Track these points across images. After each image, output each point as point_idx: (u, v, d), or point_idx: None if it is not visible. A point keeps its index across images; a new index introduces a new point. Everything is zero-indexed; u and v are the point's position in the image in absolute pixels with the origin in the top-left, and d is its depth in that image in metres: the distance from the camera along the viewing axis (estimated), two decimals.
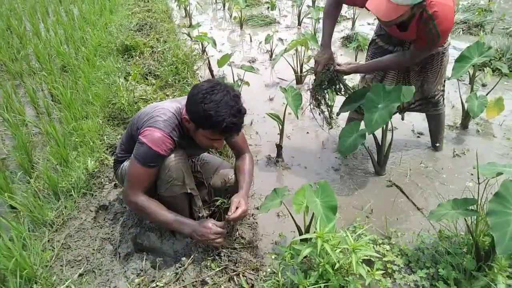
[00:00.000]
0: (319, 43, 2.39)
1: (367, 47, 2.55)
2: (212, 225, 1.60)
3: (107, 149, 2.52)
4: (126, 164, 1.78)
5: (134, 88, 3.08)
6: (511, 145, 2.74)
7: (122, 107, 2.90)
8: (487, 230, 1.57)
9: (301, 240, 1.58)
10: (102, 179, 2.26)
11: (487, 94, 2.78)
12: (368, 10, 1.89)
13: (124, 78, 3.40)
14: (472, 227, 1.58)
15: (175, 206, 1.68)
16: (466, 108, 2.83)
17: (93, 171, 2.27)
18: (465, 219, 1.56)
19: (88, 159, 2.33)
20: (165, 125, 1.59)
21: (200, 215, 1.84)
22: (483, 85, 3.59)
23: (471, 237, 1.59)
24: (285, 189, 1.77)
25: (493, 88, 2.97)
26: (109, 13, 6.06)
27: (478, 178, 1.51)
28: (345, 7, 6.85)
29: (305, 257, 1.65)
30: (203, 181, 1.95)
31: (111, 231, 1.87)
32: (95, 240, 1.81)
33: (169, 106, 1.67)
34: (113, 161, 1.94)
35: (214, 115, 1.46)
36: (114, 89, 3.15)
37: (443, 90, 2.51)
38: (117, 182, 2.12)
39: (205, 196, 1.95)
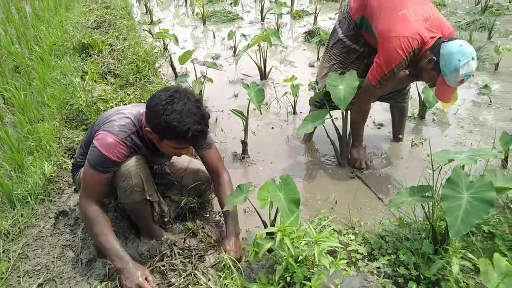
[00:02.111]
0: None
1: (328, 40, 2.57)
2: (142, 278, 1.48)
3: (65, 153, 2.43)
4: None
5: (92, 88, 2.97)
6: (465, 133, 2.89)
7: (80, 108, 2.80)
8: (443, 215, 1.64)
9: (267, 234, 1.60)
10: (61, 184, 2.17)
11: None
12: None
13: (81, 77, 3.28)
14: (429, 212, 1.65)
15: (138, 213, 1.64)
16: (422, 99, 2.95)
17: (51, 176, 2.17)
18: (422, 205, 1.63)
19: (45, 164, 2.23)
20: (120, 130, 1.53)
21: (166, 219, 1.82)
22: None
23: (428, 223, 1.66)
24: (250, 185, 1.77)
25: None
26: (64, 10, 5.81)
27: (432, 166, 1.58)
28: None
29: (272, 251, 1.67)
30: (174, 182, 1.92)
31: (72, 238, 1.81)
32: (55, 247, 1.74)
33: (129, 111, 1.61)
34: (71, 165, 1.86)
35: (178, 126, 1.41)
36: (71, 89, 3.03)
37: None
38: (76, 187, 2.05)
39: (176, 196, 1.92)
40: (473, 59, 1.88)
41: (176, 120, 1.40)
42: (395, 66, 2.04)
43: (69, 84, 3.17)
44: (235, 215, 1.78)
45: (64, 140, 2.52)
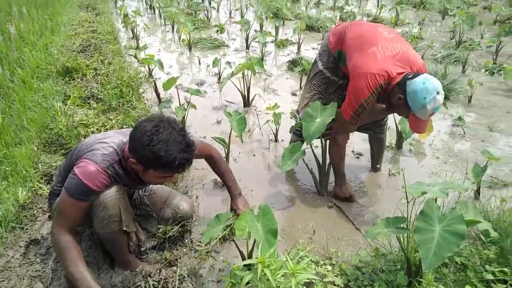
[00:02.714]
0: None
1: (309, 71, 2.65)
2: None
3: (41, 178, 2.38)
4: None
5: (73, 113, 2.96)
6: (440, 163, 2.97)
7: (60, 133, 2.77)
8: (417, 246, 1.67)
9: (244, 265, 1.59)
10: (35, 211, 2.12)
11: None
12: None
13: (63, 101, 3.27)
14: (404, 244, 1.68)
15: (113, 243, 1.62)
16: (399, 130, 3.04)
17: (25, 203, 2.13)
18: (397, 236, 1.65)
19: (19, 190, 2.18)
20: (102, 159, 1.53)
21: (143, 249, 1.79)
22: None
23: (403, 254, 1.68)
24: (228, 215, 1.77)
25: None
26: (50, 33, 5.83)
27: (407, 197, 1.62)
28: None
29: (247, 283, 1.65)
30: (152, 214, 1.90)
31: (43, 268, 1.75)
32: (23, 279, 1.68)
33: (112, 140, 1.61)
34: (48, 193, 1.82)
35: (164, 156, 1.43)
36: (52, 113, 3.01)
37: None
38: (51, 215, 2.00)
39: (153, 228, 1.90)
40: (438, 93, 1.93)
41: (162, 150, 1.43)
42: (364, 101, 2.10)
43: (50, 108, 3.15)
44: (231, 176, 2.13)
45: (42, 165, 2.48)
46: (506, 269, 1.60)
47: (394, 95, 2.07)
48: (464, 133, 3.44)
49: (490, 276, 1.59)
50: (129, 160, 1.53)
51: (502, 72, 4.82)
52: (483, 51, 6.09)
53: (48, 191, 1.86)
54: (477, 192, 2.48)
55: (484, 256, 1.72)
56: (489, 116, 3.86)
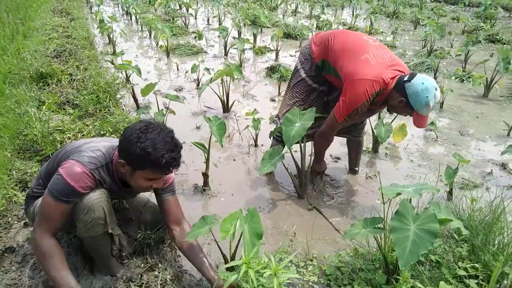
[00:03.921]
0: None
1: (290, 78, 2.71)
2: None
3: (16, 185, 2.31)
4: (40, 200, 1.65)
5: (48, 118, 2.89)
6: (414, 166, 3.08)
7: (35, 139, 2.70)
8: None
9: (227, 269, 1.60)
10: (10, 218, 2.06)
11: (392, 121, 3.11)
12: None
13: (37, 107, 3.18)
14: (381, 243, 1.73)
15: (97, 247, 1.59)
16: (375, 134, 3.13)
17: None
18: (374, 236, 1.71)
19: None
20: (89, 161, 1.51)
21: (124, 254, 1.77)
22: (390, 113, 4.01)
23: (381, 253, 1.74)
24: (214, 217, 1.77)
25: (397, 116, 3.33)
26: (22, 38, 5.67)
27: (383, 198, 1.68)
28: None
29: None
30: (132, 218, 1.88)
31: (19, 276, 1.70)
32: None
33: (102, 144, 1.61)
34: (25, 196, 1.76)
35: (152, 152, 1.44)
36: (26, 119, 2.93)
37: None
38: (27, 220, 1.95)
39: (134, 232, 1.88)
40: (436, 89, 2.08)
41: (150, 147, 1.44)
42: (359, 106, 2.20)
43: (24, 114, 3.07)
44: (207, 264, 1.69)
45: (16, 172, 2.41)
46: (477, 265, 1.68)
47: (393, 98, 2.18)
48: (437, 137, 3.58)
49: (463, 272, 1.67)
50: (117, 161, 1.52)
51: (470, 79, 5.06)
52: (453, 59, 6.36)
53: (23, 198, 1.81)
54: (450, 193, 2.59)
55: (457, 254, 1.80)
56: (460, 121, 4.03)
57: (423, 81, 2.07)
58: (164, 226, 1.96)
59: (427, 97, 2.05)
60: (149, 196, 1.97)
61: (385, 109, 2.45)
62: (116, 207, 1.86)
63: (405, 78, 2.12)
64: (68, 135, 2.84)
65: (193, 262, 1.69)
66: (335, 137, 2.82)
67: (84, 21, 7.79)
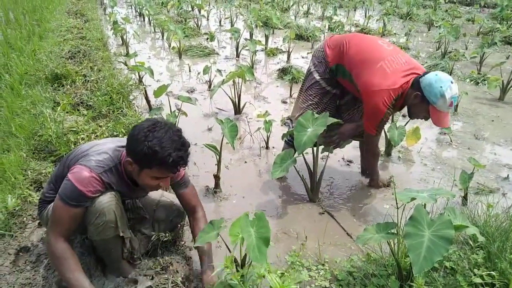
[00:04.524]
0: None
1: (303, 81, 2.70)
2: None
3: (31, 185, 2.35)
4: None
5: (63, 119, 2.93)
6: (428, 170, 3.03)
7: (49, 139, 2.74)
8: (408, 251, 1.70)
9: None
10: (25, 218, 2.09)
11: (405, 124, 3.07)
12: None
13: (52, 108, 3.23)
14: (395, 249, 1.71)
15: (108, 250, 1.61)
16: (388, 138, 3.09)
17: (14, 210, 2.09)
18: (387, 241, 1.68)
19: (8, 197, 2.14)
20: (97, 165, 1.53)
21: (136, 256, 1.78)
22: (403, 116, 3.96)
23: (394, 259, 1.71)
24: (221, 221, 1.77)
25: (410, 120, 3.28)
26: (38, 39, 5.77)
27: (397, 203, 1.65)
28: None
29: None
30: (145, 216, 1.90)
31: (33, 275, 1.72)
32: (13, 287, 1.65)
33: (108, 147, 1.62)
34: (38, 200, 1.79)
35: (160, 151, 1.44)
36: (41, 120, 2.97)
37: None
38: (42, 223, 1.97)
39: (147, 230, 1.89)
40: (452, 83, 2.05)
41: (157, 146, 1.44)
42: (383, 116, 2.21)
43: (39, 114, 3.11)
44: (210, 253, 1.78)
45: (31, 172, 2.44)
46: (493, 273, 1.64)
47: (410, 97, 2.17)
48: (451, 141, 3.53)
49: (478, 280, 1.63)
50: (125, 160, 1.53)
51: (486, 82, 4.96)
52: (467, 61, 6.26)
53: (38, 198, 1.84)
54: (465, 198, 2.54)
55: (473, 261, 1.76)
56: (475, 124, 3.96)
57: (436, 73, 2.08)
58: (180, 224, 2.01)
59: (441, 87, 2.03)
60: (162, 194, 1.98)
61: (398, 113, 2.45)
62: (130, 206, 1.87)
63: (420, 76, 2.13)
64: (82, 136, 2.87)
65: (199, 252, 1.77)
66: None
67: (98, 22, 7.90)
